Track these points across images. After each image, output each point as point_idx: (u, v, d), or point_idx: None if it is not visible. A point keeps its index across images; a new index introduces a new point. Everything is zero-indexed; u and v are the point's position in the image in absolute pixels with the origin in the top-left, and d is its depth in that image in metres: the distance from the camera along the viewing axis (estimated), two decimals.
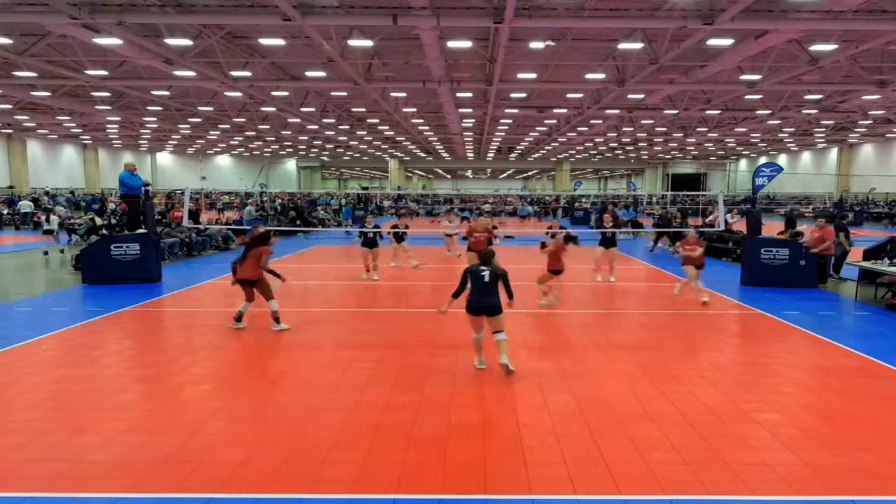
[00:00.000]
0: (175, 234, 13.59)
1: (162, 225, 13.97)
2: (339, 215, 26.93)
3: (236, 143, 40.47)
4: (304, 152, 48.40)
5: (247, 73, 16.28)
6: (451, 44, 13.22)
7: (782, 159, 45.73)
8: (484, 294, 4.90)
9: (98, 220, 15.75)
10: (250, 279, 6.37)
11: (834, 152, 40.16)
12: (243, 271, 6.36)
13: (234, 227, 17.00)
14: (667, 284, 10.12)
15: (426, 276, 10.77)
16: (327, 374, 5.17)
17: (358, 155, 49.07)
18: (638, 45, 12.97)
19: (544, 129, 31.25)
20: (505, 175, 73.28)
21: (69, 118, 26.68)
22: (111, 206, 18.65)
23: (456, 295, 5.01)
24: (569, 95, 20.97)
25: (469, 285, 4.96)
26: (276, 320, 6.51)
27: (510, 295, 5.03)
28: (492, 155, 46.76)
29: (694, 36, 11.83)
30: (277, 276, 6.67)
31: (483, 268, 4.96)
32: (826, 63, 14.05)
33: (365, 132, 32.07)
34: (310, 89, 20.68)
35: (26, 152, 36.62)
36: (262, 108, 24.01)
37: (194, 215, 15.86)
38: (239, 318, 6.57)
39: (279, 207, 23.64)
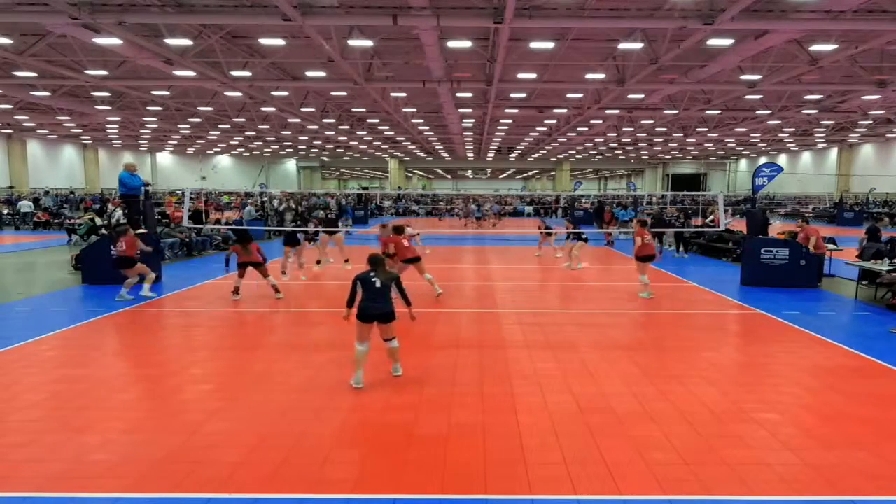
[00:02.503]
0: (175, 234, 13.61)
1: (161, 225, 13.98)
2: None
3: (236, 143, 40.51)
4: (304, 152, 48.41)
5: (247, 73, 16.28)
6: (451, 44, 13.23)
7: (782, 159, 45.76)
8: (377, 300, 4.67)
9: (98, 220, 15.76)
10: (257, 261, 8.32)
11: (834, 152, 40.17)
12: (253, 256, 8.29)
13: (233, 227, 17.02)
14: (667, 285, 10.12)
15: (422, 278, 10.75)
16: (327, 374, 5.18)
17: (358, 155, 49.08)
18: (638, 46, 12.97)
19: (544, 129, 31.25)
20: (505, 175, 73.31)
21: (69, 118, 26.69)
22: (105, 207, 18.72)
23: (350, 303, 4.72)
24: (569, 95, 20.97)
25: (360, 292, 4.70)
26: (277, 290, 8.43)
27: (407, 301, 4.91)
28: (492, 155, 46.78)
29: (694, 36, 11.82)
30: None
31: (372, 273, 4.73)
32: (826, 63, 14.06)
33: (365, 132, 32.07)
34: (310, 89, 20.68)
35: (26, 152, 36.67)
36: (262, 108, 24.02)
37: (197, 215, 15.88)
38: (237, 291, 8.29)
39: (280, 208, 23.51)
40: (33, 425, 4.00)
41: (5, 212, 23.92)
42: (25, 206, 23.45)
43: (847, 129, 30.61)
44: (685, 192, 34.52)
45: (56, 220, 22.19)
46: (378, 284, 4.69)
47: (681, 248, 14.52)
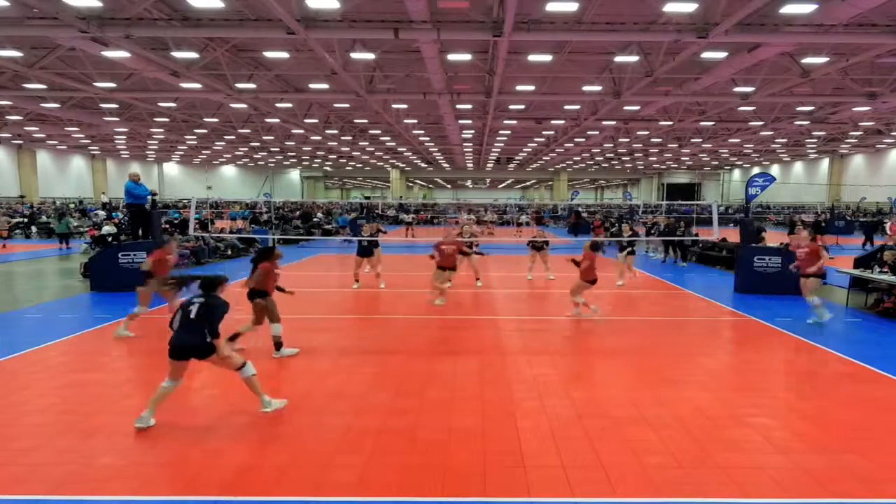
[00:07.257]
0: (183, 245, 13.75)
1: (168, 234, 14.10)
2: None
3: (241, 153, 40.86)
4: (307, 162, 48.82)
5: (252, 86, 16.56)
6: (451, 57, 13.48)
7: (775, 169, 46.19)
8: (184, 331, 3.83)
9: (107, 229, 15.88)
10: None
11: (825, 162, 40.54)
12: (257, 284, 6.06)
13: (240, 235, 17.18)
14: (661, 292, 10.21)
15: (428, 284, 10.83)
16: (330, 379, 5.26)
17: (360, 165, 49.45)
18: (634, 58, 13.21)
19: (542, 139, 31.56)
20: (504, 185, 73.70)
21: (78, 129, 27.03)
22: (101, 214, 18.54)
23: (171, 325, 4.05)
24: (566, 107, 21.23)
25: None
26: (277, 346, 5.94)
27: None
28: (491, 165, 47.13)
29: (688, 49, 12.07)
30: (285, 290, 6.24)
31: (196, 299, 3.83)
32: (817, 75, 14.29)
33: (367, 143, 32.37)
34: (313, 101, 20.96)
35: (36, 162, 37.22)
36: (267, 120, 24.31)
37: (205, 225, 16.00)
38: (279, 346, 6.00)
39: (288, 216, 23.42)
40: (43, 429, 4.08)
41: (16, 220, 23.75)
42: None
43: (838, 140, 30.94)
44: (680, 202, 34.94)
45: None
46: (193, 314, 3.93)
47: (678, 257, 14.61)
